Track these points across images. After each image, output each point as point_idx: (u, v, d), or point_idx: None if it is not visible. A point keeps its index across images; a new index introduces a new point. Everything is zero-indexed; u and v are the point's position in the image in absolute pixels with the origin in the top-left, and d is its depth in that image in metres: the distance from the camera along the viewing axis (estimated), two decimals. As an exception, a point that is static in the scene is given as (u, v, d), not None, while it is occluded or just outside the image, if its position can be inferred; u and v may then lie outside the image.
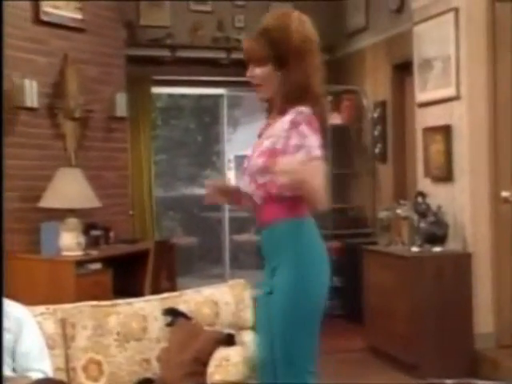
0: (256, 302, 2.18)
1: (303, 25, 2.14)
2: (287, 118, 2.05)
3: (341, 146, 6.25)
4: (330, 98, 6.22)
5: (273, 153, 2.02)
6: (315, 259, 2.06)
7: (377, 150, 5.94)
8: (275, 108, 2.15)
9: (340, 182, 6.24)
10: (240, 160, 9.46)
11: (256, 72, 2.15)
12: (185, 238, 7.94)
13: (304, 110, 2.04)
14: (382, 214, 4.76)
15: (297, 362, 2.00)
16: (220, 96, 7.18)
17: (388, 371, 4.27)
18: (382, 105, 5.86)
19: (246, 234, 8.31)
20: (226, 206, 7.38)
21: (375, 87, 6.03)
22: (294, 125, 2.03)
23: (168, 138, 8.64)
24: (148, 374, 2.70)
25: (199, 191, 8.73)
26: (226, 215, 7.37)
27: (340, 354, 4.68)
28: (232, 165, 8.11)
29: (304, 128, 2.02)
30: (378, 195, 5.95)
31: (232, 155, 7.95)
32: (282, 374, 2.01)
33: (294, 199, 2.02)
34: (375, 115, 5.97)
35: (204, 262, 7.55)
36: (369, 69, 6.15)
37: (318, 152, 1.99)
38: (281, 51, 2.09)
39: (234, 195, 2.26)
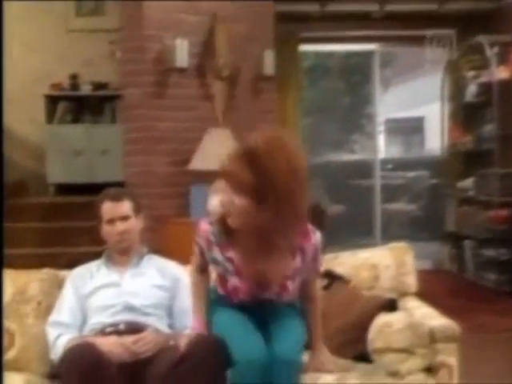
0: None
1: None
2: (312, 245, 2.31)
3: (508, 103, 5.92)
4: (495, 49, 5.91)
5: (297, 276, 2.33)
6: None
7: (552, 107, 5.57)
8: None
9: (507, 143, 5.92)
10: (392, 123, 9.29)
11: (236, 201, 2.17)
12: (332, 206, 7.94)
13: (318, 236, 2.35)
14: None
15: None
16: (371, 53, 7.06)
17: None
18: (560, 55, 5.46)
19: (399, 202, 8.18)
20: (378, 172, 7.32)
21: (551, 35, 5.63)
22: (315, 257, 2.36)
23: (314, 100, 8.65)
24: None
25: (347, 157, 8.71)
26: (378, 182, 7.29)
27: (508, 332, 4.52)
28: (383, 129, 7.99)
29: (318, 256, 2.40)
30: (553, 158, 5.59)
31: (383, 118, 7.82)
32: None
33: None
34: (551, 67, 5.58)
35: (353, 232, 7.53)
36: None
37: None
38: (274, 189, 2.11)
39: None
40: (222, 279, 2.31)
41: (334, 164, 8.48)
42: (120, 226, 2.62)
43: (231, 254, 2.25)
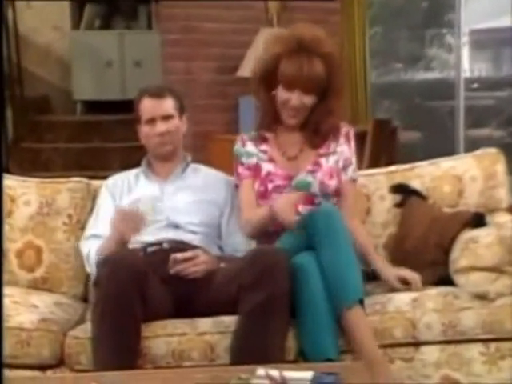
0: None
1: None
2: (342, 132, 2.68)
3: None
4: None
5: (338, 172, 2.64)
6: None
7: None
8: (301, 130, 2.66)
9: None
10: (479, 34, 9.02)
11: (305, 101, 2.57)
12: (405, 132, 7.87)
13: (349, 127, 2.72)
14: None
15: None
16: None
17: None
18: None
19: (486, 128, 8.02)
20: (461, 93, 7.18)
21: None
22: (348, 139, 2.68)
23: (385, 5, 8.46)
24: (372, 266, 2.77)
25: (424, 75, 8.54)
26: (461, 104, 7.16)
27: None
28: (467, 41, 7.78)
29: (353, 144, 2.69)
30: None
31: (468, 28, 7.61)
32: None
33: None
34: None
35: (430, 162, 7.46)
36: None
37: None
38: (335, 83, 2.61)
39: None
40: (257, 170, 2.64)
41: (409, 83, 8.33)
42: (161, 126, 2.62)
43: (264, 147, 2.69)
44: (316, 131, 2.65)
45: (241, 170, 2.67)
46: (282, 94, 2.58)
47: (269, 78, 2.61)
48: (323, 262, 2.33)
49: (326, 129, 2.65)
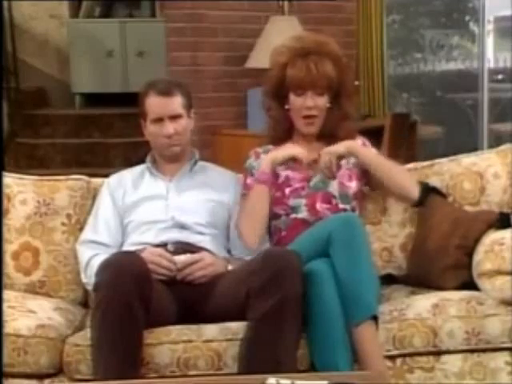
0: None
1: None
2: (359, 142, 2.77)
3: None
4: None
5: (357, 175, 2.74)
6: None
7: None
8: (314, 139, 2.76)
9: None
10: (504, 22, 9.01)
11: (319, 102, 2.68)
12: (425, 127, 7.88)
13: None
14: None
15: None
16: None
17: None
18: None
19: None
20: (485, 85, 7.16)
21: None
22: (365, 146, 2.78)
23: (404, -9, 8.47)
24: (389, 269, 2.79)
25: (445, 66, 8.54)
26: (485, 97, 7.15)
27: None
28: (492, 29, 7.77)
29: (373, 150, 2.82)
30: None
31: (493, 15, 7.60)
32: None
33: None
34: None
35: (451, 159, 7.43)
36: None
37: None
38: (346, 84, 2.76)
39: None
40: (274, 177, 2.69)
41: (429, 74, 8.33)
42: (169, 126, 2.62)
43: None
44: (333, 138, 2.72)
45: (250, 181, 2.72)
46: (294, 101, 2.68)
47: (279, 92, 2.71)
48: (338, 272, 2.35)
49: (343, 134, 2.74)
